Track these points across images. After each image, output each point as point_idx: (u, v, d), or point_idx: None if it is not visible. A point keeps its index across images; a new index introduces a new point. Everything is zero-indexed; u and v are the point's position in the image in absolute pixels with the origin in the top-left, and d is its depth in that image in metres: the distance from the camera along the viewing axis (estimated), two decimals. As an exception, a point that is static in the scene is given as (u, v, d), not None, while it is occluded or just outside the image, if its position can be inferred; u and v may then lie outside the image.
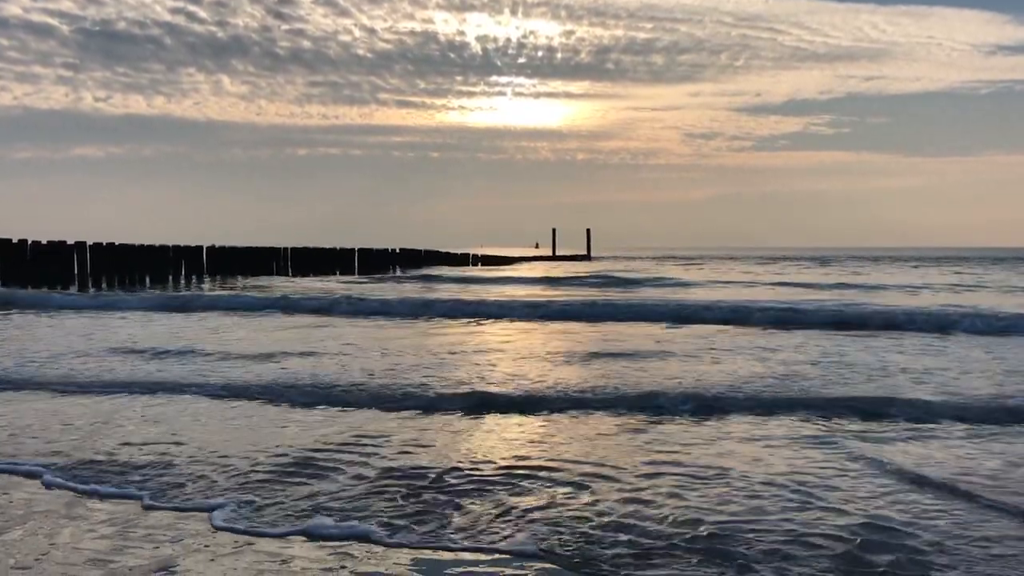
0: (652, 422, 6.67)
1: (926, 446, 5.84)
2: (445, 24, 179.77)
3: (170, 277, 34.15)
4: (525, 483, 4.92)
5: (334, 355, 10.72)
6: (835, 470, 5.20)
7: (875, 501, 4.55)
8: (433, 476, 5.06)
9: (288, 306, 19.28)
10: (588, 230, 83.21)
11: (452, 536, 4.09)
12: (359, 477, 5.07)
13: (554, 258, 73.27)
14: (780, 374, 8.91)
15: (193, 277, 35.02)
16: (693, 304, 18.03)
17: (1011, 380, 8.59)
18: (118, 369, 9.54)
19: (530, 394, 7.78)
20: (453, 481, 4.96)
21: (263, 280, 33.83)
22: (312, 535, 4.11)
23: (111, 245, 32.51)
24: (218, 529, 4.20)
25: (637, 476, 5.06)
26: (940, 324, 14.24)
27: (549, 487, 4.84)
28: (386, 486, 4.87)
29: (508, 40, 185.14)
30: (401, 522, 4.26)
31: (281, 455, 5.59)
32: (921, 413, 6.82)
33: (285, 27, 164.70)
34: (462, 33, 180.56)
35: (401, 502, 4.58)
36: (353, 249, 46.10)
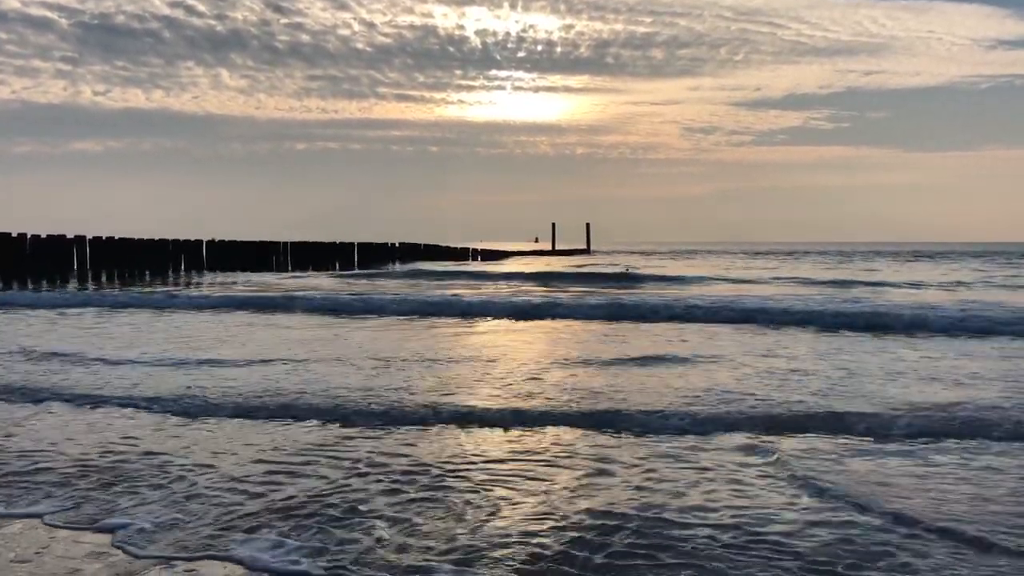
0: (624, 438, 6.33)
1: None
2: (444, 18, 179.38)
3: (170, 271, 34.06)
4: (467, 499, 4.62)
5: (295, 362, 10.44)
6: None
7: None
8: (363, 495, 4.77)
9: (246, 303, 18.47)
10: (588, 224, 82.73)
11: (376, 562, 3.80)
12: (276, 496, 4.75)
13: (553, 252, 72.71)
14: (784, 382, 8.37)
15: (193, 271, 34.90)
16: (693, 302, 17.66)
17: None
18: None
19: (472, 407, 7.06)
20: (382, 502, 4.67)
21: (261, 276, 33.59)
22: (219, 557, 3.82)
23: (111, 239, 32.43)
24: (118, 548, 3.92)
25: (600, 497, 4.76)
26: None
27: (488, 508, 4.55)
28: (304, 503, 4.57)
29: (507, 34, 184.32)
30: (331, 544, 3.97)
31: (185, 469, 5.28)
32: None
33: (284, 21, 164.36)
34: (461, 27, 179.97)
35: (323, 523, 4.28)
36: (352, 243, 45.90)
